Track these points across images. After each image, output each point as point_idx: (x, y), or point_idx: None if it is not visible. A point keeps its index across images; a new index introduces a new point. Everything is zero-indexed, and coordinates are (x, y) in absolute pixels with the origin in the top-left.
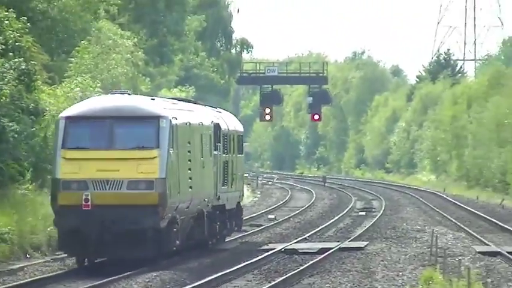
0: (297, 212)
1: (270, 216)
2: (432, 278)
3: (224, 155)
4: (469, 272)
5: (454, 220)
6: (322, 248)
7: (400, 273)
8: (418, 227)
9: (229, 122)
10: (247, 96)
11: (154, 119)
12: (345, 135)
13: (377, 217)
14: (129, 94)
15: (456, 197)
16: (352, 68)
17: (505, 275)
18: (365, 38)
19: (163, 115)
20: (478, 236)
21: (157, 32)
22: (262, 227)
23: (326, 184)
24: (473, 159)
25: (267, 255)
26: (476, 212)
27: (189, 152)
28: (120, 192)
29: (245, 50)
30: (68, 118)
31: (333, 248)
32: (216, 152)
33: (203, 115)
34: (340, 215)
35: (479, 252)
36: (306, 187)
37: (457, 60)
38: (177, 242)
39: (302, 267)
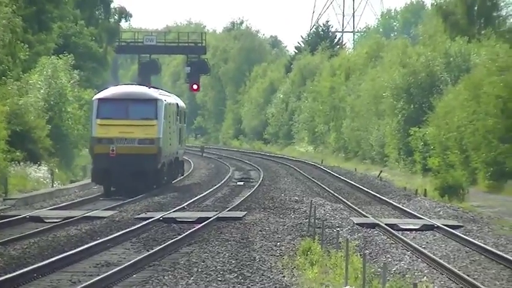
0: (175, 181)
1: None
2: (310, 249)
3: (180, 124)
4: (347, 243)
5: (332, 191)
6: (200, 218)
7: (279, 244)
8: (296, 198)
9: (180, 102)
10: (126, 65)
11: (154, 100)
12: (223, 105)
13: (255, 187)
14: (136, 85)
15: (334, 169)
16: (230, 38)
17: (382, 247)
18: (243, 7)
19: (159, 98)
20: (356, 208)
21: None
22: (140, 196)
23: (204, 154)
24: (351, 131)
25: (145, 224)
26: (354, 183)
27: (169, 122)
28: (133, 146)
29: (123, 19)
30: (99, 99)
31: (211, 217)
32: (177, 122)
33: (172, 98)
34: (218, 184)
35: (357, 224)
36: (183, 157)
37: (336, 31)
38: (165, 178)
39: (180, 236)
